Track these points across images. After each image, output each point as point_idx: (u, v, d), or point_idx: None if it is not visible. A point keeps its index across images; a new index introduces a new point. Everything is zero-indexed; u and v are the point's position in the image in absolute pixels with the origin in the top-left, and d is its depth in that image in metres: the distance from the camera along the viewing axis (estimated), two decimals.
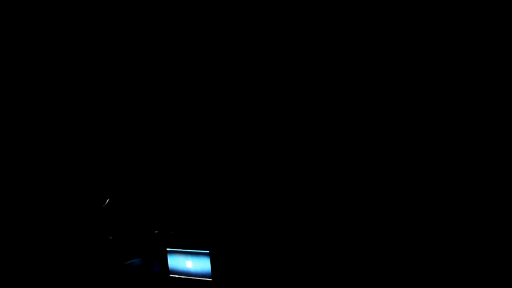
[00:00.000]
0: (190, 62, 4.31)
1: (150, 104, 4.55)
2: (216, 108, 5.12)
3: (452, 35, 3.61)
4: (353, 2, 3.68)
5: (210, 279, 5.03)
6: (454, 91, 3.94)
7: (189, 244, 5.16)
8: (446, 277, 4.20)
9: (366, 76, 3.97)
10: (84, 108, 4.53)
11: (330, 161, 5.16)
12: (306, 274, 4.87)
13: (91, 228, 5.04)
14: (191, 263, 5.15)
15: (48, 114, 4.56)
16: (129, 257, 5.30)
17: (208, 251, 5.02)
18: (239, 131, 5.41)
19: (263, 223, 5.25)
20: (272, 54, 4.32)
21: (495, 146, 3.94)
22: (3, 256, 4.27)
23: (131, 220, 5.56)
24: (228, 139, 5.54)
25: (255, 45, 4.24)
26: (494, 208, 4.02)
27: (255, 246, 5.14)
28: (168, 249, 5.27)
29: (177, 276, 5.24)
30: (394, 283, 4.43)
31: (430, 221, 4.46)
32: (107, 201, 1.79)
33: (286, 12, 3.85)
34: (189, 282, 5.17)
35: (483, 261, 3.98)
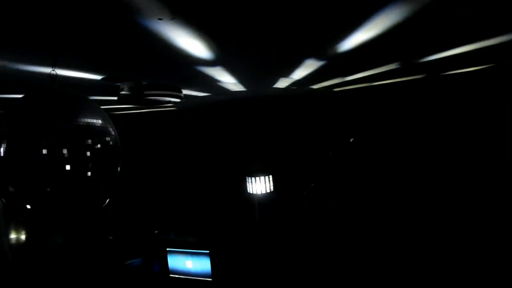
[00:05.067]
0: None
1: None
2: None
3: None
4: None
5: (210, 279, 5.03)
6: None
7: (189, 244, 5.16)
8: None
9: None
10: None
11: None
12: (305, 274, 4.88)
13: (91, 228, 5.03)
14: (191, 263, 5.15)
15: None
16: (129, 257, 5.29)
17: (208, 251, 5.02)
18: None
19: (263, 224, 5.26)
20: None
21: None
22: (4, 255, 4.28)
23: (131, 220, 5.56)
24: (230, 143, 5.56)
25: None
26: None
27: (254, 247, 5.15)
28: (168, 249, 5.26)
29: (177, 276, 5.24)
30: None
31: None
32: (108, 200, 1.79)
33: None
34: (189, 282, 5.17)
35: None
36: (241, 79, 2.75)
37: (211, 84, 2.79)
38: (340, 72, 2.86)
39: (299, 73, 2.69)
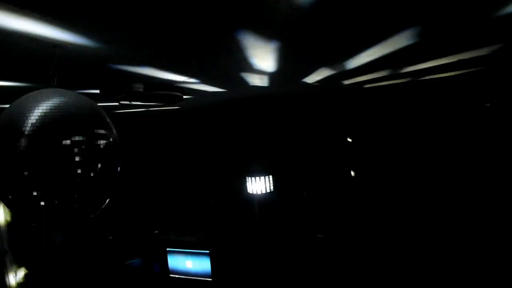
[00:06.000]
0: None
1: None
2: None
3: None
4: None
5: (210, 279, 5.03)
6: None
7: (189, 244, 5.16)
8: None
9: None
10: None
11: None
12: (305, 274, 4.88)
13: (91, 228, 5.03)
14: (191, 263, 5.15)
15: None
16: (129, 257, 5.30)
17: (208, 251, 5.02)
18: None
19: (263, 224, 5.26)
20: None
21: None
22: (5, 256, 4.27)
23: (131, 220, 5.55)
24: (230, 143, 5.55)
25: None
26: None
27: (254, 246, 5.15)
28: (168, 249, 5.27)
29: (177, 276, 5.24)
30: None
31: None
32: (107, 201, 1.79)
33: None
34: (189, 282, 5.17)
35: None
36: (280, 66, 2.24)
37: (235, 76, 2.41)
38: (423, 55, 2.30)
39: (359, 60, 2.19)
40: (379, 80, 3.31)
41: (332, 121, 5.12)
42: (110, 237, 5.33)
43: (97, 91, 2.44)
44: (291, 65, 2.32)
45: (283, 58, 2.03)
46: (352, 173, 5.04)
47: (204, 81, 2.60)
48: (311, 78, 2.89)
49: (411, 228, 4.54)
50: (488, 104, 4.08)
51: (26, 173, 1.51)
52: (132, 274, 5.24)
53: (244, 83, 2.80)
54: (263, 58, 1.97)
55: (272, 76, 2.59)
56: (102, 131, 1.65)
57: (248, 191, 4.71)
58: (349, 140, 5.08)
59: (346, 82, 3.25)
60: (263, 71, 2.36)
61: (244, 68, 2.24)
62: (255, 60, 2.00)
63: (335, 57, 2.17)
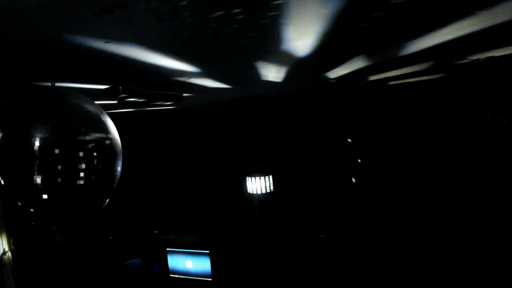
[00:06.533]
0: None
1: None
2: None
3: None
4: None
5: (210, 279, 5.03)
6: None
7: (189, 244, 5.16)
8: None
9: None
10: None
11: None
12: (305, 274, 4.88)
13: (91, 228, 5.03)
14: (191, 263, 5.15)
15: None
16: (129, 257, 5.29)
17: (208, 251, 5.02)
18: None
19: (263, 224, 5.26)
20: None
21: None
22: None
23: (131, 220, 5.55)
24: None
25: None
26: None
27: (254, 246, 5.15)
28: (168, 249, 5.27)
29: (177, 276, 5.24)
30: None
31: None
32: (107, 201, 1.80)
33: None
34: (189, 282, 5.17)
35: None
36: (316, 48, 1.72)
37: (250, 65, 2.06)
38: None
39: (424, 42, 1.73)
40: (411, 75, 2.96)
41: (332, 121, 5.12)
42: (110, 237, 5.33)
43: (97, 90, 2.43)
44: (329, 48, 1.78)
45: (330, 33, 1.45)
46: (353, 180, 5.04)
47: (209, 74, 2.34)
48: (336, 72, 2.50)
49: (412, 228, 4.54)
50: (494, 106, 4.03)
51: (26, 173, 1.51)
52: (132, 274, 5.24)
53: (256, 76, 2.46)
54: (303, 32, 1.43)
55: (294, 65, 2.14)
56: (103, 132, 1.66)
57: (248, 191, 4.72)
58: (349, 140, 5.08)
59: (372, 77, 2.91)
60: (291, 55, 1.84)
61: (269, 49, 1.70)
62: (291, 34, 1.44)
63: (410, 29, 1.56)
